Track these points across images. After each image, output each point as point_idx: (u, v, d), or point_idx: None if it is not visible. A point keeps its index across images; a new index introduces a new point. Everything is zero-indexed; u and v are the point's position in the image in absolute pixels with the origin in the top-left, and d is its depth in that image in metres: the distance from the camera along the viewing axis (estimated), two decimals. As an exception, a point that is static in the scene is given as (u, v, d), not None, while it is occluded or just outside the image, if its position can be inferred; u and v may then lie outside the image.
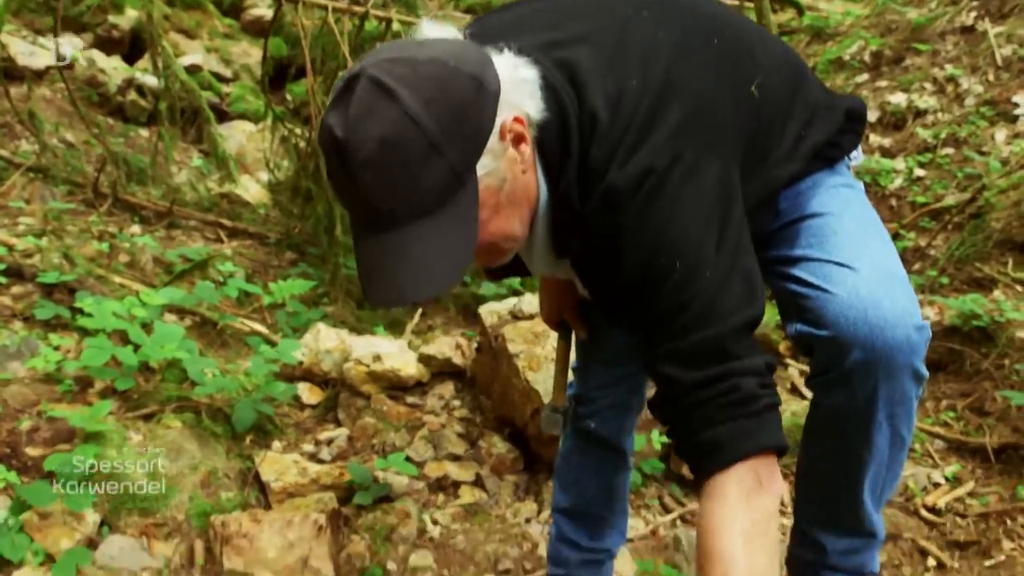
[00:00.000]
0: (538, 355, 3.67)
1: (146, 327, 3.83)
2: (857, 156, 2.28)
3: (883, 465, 2.14)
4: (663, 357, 1.82)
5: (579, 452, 2.81)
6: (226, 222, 6.05)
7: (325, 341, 4.19)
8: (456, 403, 4.10)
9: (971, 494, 3.72)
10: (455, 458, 3.83)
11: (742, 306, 1.81)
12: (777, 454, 1.83)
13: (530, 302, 3.93)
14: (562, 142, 1.82)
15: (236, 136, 7.73)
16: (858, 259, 1.98)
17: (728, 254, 1.81)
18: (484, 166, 1.71)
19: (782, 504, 3.75)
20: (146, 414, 3.54)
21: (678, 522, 3.69)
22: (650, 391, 1.95)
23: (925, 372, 1.98)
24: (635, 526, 3.59)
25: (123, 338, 3.77)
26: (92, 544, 2.98)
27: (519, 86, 1.79)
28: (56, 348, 3.84)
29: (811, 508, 2.35)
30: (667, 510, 3.75)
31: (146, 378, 3.74)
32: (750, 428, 1.79)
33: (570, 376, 2.77)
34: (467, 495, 3.68)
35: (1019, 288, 4.80)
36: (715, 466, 1.78)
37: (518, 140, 1.77)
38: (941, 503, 3.67)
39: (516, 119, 1.76)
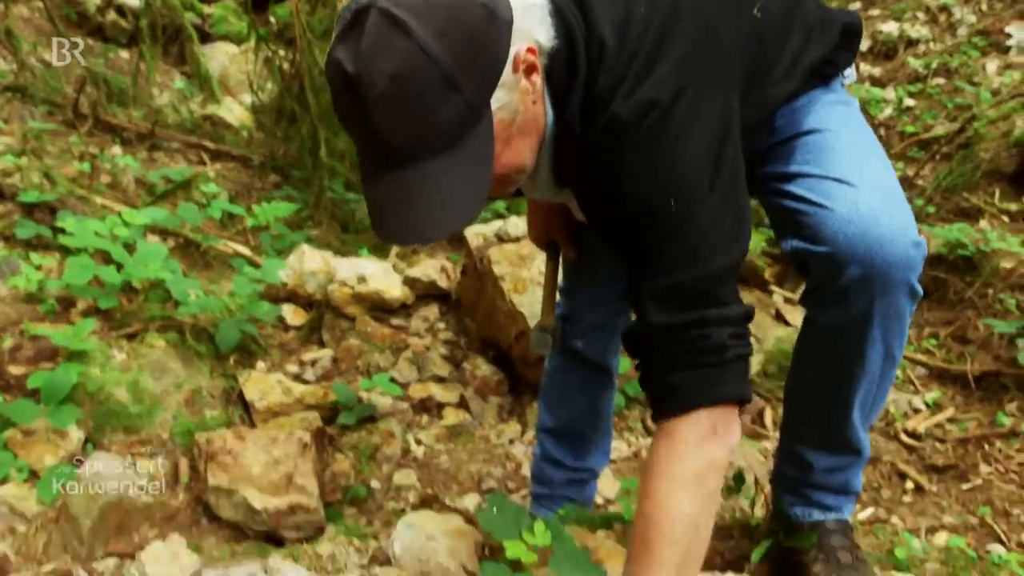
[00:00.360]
0: (523, 278, 3.67)
1: (129, 247, 3.81)
2: (851, 74, 2.26)
3: (874, 383, 2.16)
4: (646, 292, 1.81)
5: (565, 372, 2.82)
6: (209, 144, 5.98)
7: (309, 263, 4.17)
8: (440, 325, 4.10)
9: (951, 420, 3.76)
10: (439, 380, 3.84)
11: (729, 246, 1.81)
12: (739, 405, 1.84)
13: (516, 225, 3.91)
14: (569, 69, 1.79)
15: (219, 58, 7.61)
16: (857, 175, 1.97)
17: (722, 192, 1.80)
18: (498, 99, 1.68)
19: (764, 427, 3.79)
20: (129, 333, 3.53)
21: (660, 444, 3.72)
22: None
23: (920, 289, 1.99)
24: (618, 448, 3.62)
25: (105, 258, 3.75)
26: (76, 461, 2.98)
27: (529, 12, 1.75)
28: (38, 268, 3.82)
29: (799, 427, 2.36)
30: (650, 433, 3.78)
31: (129, 298, 3.73)
32: (713, 377, 1.79)
33: (557, 297, 2.77)
34: (451, 416, 3.70)
35: (1005, 218, 4.82)
36: (672, 409, 1.80)
37: (530, 71, 1.74)
38: (921, 428, 3.71)
39: (529, 49, 1.72)
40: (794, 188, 2.01)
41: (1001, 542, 2.99)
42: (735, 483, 2.81)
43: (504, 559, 1.91)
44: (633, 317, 1.90)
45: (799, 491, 2.44)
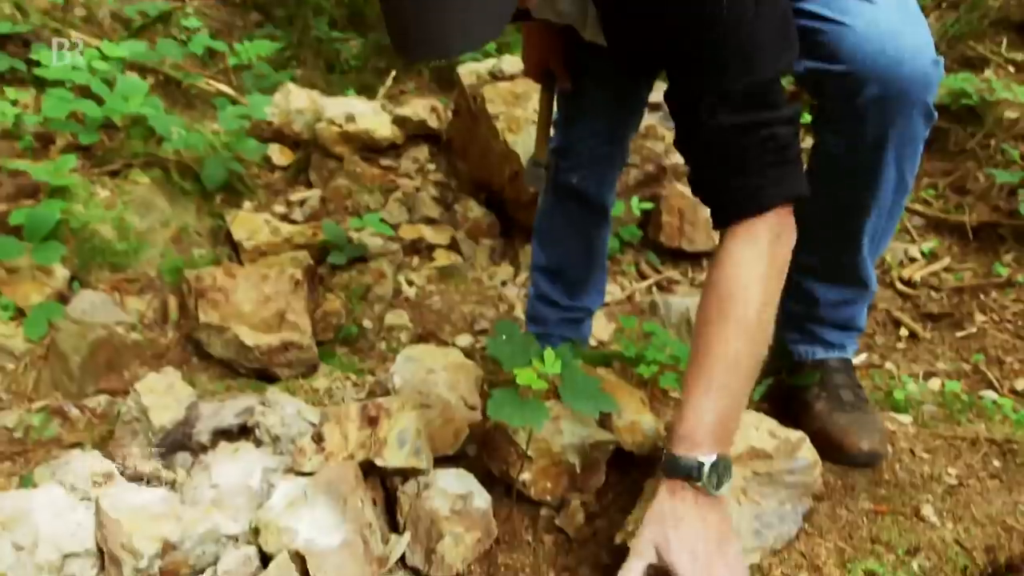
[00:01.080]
0: (518, 117, 3.56)
1: (108, 83, 3.67)
2: None
3: (885, 210, 2.11)
4: (707, 102, 1.73)
5: (560, 208, 2.75)
6: (187, -21, 5.76)
7: (296, 101, 4.05)
8: (431, 167, 4.01)
9: (947, 269, 3.74)
10: (430, 221, 3.77)
11: (784, 49, 1.75)
12: (799, 201, 1.81)
13: (510, 62, 3.79)
14: None
15: None
16: None
17: None
18: None
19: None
20: (112, 170, 3.42)
21: (654, 288, 3.69)
22: (669, 133, 1.89)
23: (935, 112, 1.93)
24: (611, 292, 3.59)
25: (85, 92, 3.61)
26: (63, 299, 2.92)
27: None
28: (13, 103, 3.67)
29: (807, 258, 2.32)
30: (643, 276, 3.75)
31: (110, 135, 3.61)
32: (785, 175, 1.76)
33: (551, 131, 2.68)
34: (442, 258, 3.64)
35: (1011, 68, 4.71)
36: (749, 211, 1.75)
37: None
38: (917, 276, 3.68)
39: None
40: (809, 5, 1.91)
41: (994, 388, 3.00)
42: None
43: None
44: (671, 134, 1.83)
45: (803, 327, 2.41)
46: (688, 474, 1.70)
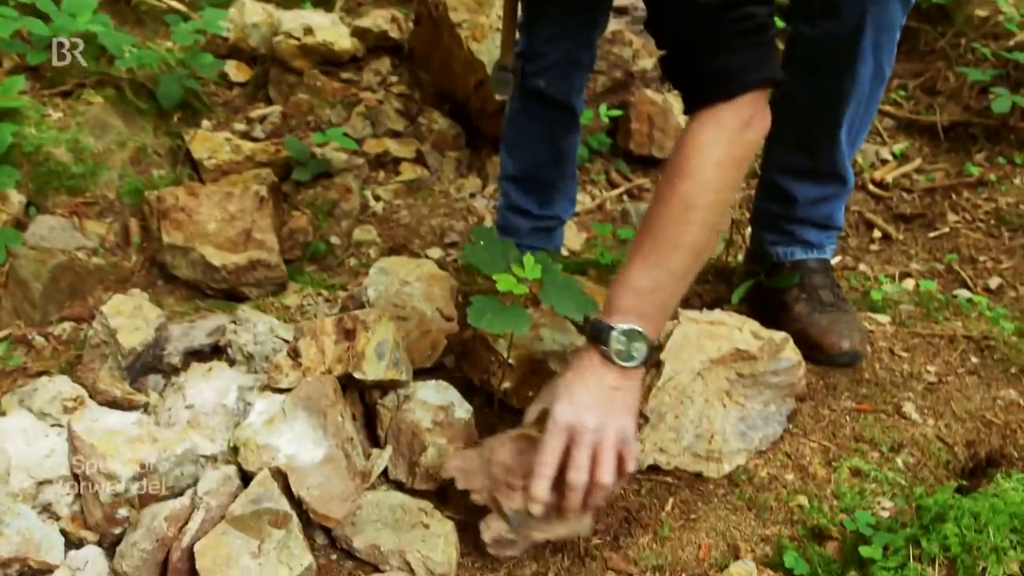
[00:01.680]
0: (482, 24, 3.47)
1: (55, 0, 3.52)
2: None
3: (862, 101, 2.08)
4: None
5: (527, 114, 2.69)
6: None
7: (251, 15, 3.92)
8: (393, 79, 3.91)
9: (918, 170, 3.71)
10: (394, 135, 3.69)
11: None
12: (772, 87, 1.76)
13: (471, -32, 3.68)
14: None
15: None
16: None
17: None
18: None
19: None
20: (64, 91, 3.30)
21: (625, 197, 3.65)
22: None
23: None
24: (581, 201, 3.54)
25: (30, 10, 3.47)
26: (20, 225, 2.83)
27: None
28: (-46, 23, 3.53)
29: (784, 154, 2.29)
30: (613, 185, 3.70)
31: (60, 55, 3.47)
32: (759, 57, 1.70)
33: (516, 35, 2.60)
34: (408, 172, 3.57)
35: (978, -36, 4.64)
36: (720, 94, 1.69)
37: None
38: (888, 178, 3.65)
39: None
40: None
41: (967, 287, 2.99)
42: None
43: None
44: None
45: (781, 228, 2.39)
46: (597, 337, 1.70)
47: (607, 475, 1.65)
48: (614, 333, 1.68)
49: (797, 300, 2.35)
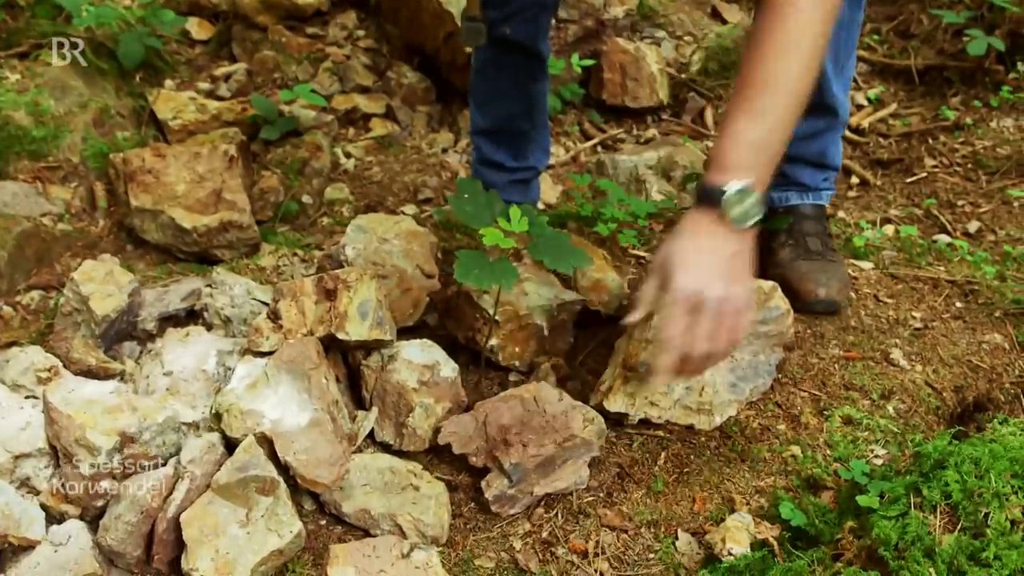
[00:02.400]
0: (449, -26, 3.40)
1: (4, -41, 3.41)
2: None
3: (843, 24, 2.03)
4: None
5: (495, 64, 2.64)
6: None
7: (210, -32, 3.82)
8: (360, 33, 3.82)
9: (894, 115, 3.69)
10: (363, 90, 3.62)
11: None
12: None
13: (437, -83, 3.59)
14: None
15: None
16: None
17: None
18: None
19: (705, 127, 3.69)
20: (20, 52, 3.20)
21: (599, 148, 3.60)
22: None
23: None
24: (556, 153, 3.49)
25: (-21, -30, 3.36)
26: (-20, 190, 2.75)
27: None
28: (-97, -16, 3.41)
29: None
30: (588, 136, 3.65)
31: (13, 15, 3.37)
32: None
33: None
34: (379, 127, 3.51)
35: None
36: None
37: None
38: (865, 124, 3.63)
39: None
40: None
41: (946, 232, 2.98)
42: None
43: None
44: None
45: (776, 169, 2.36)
46: (710, 199, 1.62)
47: (731, 344, 1.61)
48: (729, 194, 1.59)
49: (783, 245, 2.32)
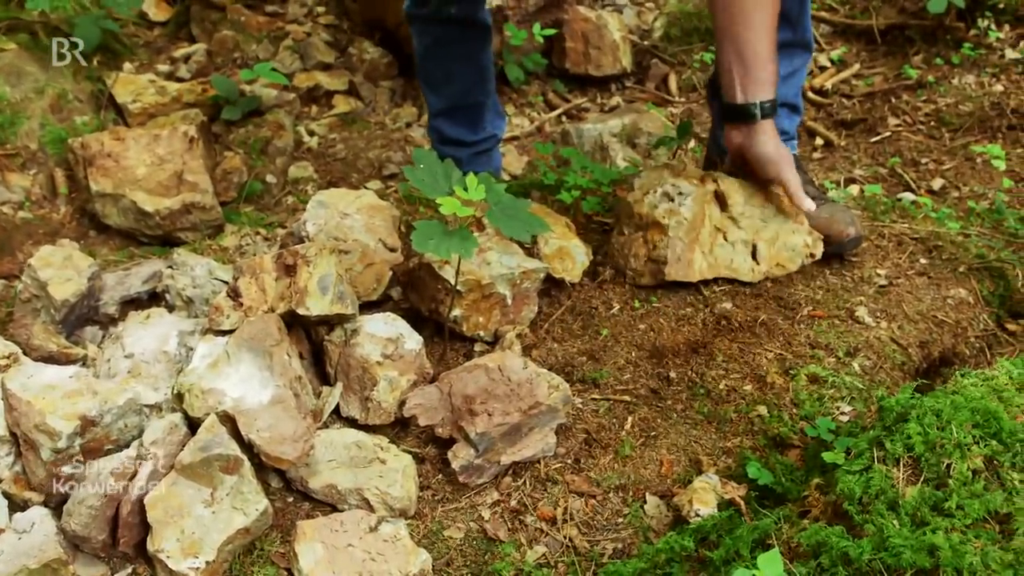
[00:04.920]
0: (407, -53, 3.36)
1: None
2: None
3: None
4: None
5: (443, 44, 2.70)
6: None
7: (166, -50, 3.78)
8: (320, 9, 3.80)
9: (857, 76, 3.69)
10: (325, 67, 3.59)
11: None
12: None
13: None
14: None
15: None
16: None
17: None
18: None
19: (669, 93, 3.67)
20: (-28, 39, 3.16)
21: (564, 118, 3.59)
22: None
23: None
24: (520, 124, 3.48)
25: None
26: (-63, 182, 2.72)
27: None
28: None
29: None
30: (552, 107, 3.64)
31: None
32: None
33: None
34: (342, 104, 3.48)
35: None
36: None
37: None
38: (828, 85, 3.63)
39: None
40: None
41: (911, 190, 2.99)
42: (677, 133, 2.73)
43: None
44: None
45: None
46: (771, 114, 2.13)
47: None
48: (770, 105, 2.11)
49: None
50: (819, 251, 2.23)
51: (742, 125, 2.15)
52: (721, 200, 2.23)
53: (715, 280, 2.21)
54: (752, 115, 2.11)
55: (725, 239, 2.19)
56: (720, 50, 2.12)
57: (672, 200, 2.19)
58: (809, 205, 2.16)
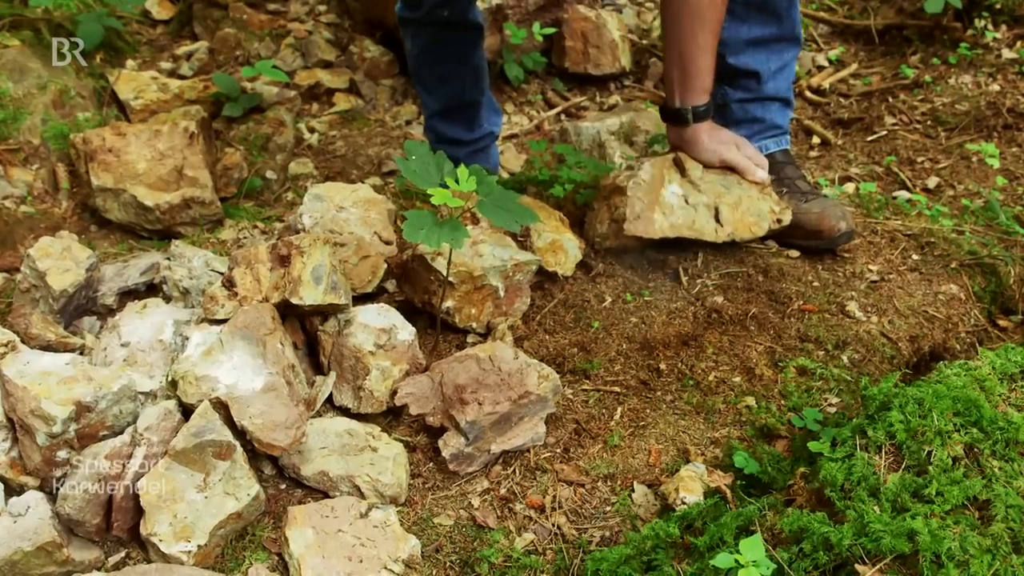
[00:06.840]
0: (408, -54, 3.39)
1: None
2: None
3: None
4: None
5: (436, 46, 2.72)
6: None
7: (170, -51, 3.81)
8: (322, 8, 3.82)
9: (855, 75, 3.71)
10: (326, 65, 3.61)
11: None
12: None
13: None
14: None
15: None
16: None
17: None
18: None
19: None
20: (-25, 35, 3.19)
21: (563, 116, 3.61)
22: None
23: None
24: (519, 123, 3.50)
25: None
26: (-60, 175, 2.75)
27: None
28: None
29: (752, 28, 2.36)
30: (551, 105, 3.66)
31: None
32: None
33: None
34: (342, 102, 3.51)
35: None
36: None
37: None
38: (826, 84, 3.65)
39: None
40: None
41: (906, 188, 3.00)
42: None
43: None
44: None
45: (749, 115, 2.46)
46: (711, 114, 2.30)
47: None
48: (688, 114, 2.26)
49: (780, 195, 2.37)
50: (787, 218, 2.29)
51: (677, 127, 2.33)
52: (680, 167, 2.30)
53: (706, 274, 2.23)
54: (685, 119, 2.29)
55: (687, 202, 2.22)
56: (667, 58, 2.27)
57: (633, 168, 2.28)
58: (762, 176, 2.30)
